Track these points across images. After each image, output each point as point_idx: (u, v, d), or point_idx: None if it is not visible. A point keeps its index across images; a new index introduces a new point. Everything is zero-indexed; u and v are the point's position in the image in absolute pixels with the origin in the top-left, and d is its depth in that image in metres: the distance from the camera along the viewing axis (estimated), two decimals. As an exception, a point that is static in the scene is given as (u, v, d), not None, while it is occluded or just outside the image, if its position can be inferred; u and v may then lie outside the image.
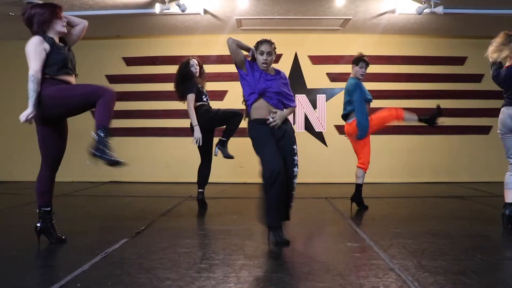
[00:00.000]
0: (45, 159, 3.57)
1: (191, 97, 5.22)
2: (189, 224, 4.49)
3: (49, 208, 3.52)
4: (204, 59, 7.73)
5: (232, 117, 5.26)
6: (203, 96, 5.37)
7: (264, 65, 3.63)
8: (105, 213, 5.13)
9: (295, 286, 2.56)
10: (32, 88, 3.30)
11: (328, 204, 5.68)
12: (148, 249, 3.38)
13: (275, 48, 3.68)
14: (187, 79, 5.32)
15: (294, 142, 3.71)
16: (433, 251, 3.28)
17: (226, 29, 7.64)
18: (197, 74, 5.40)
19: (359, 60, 5.24)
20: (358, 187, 5.17)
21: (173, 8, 6.32)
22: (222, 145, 5.29)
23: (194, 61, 5.42)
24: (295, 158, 3.68)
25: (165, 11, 6.33)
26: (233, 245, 3.48)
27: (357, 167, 5.18)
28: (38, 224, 3.48)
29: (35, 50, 3.38)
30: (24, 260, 3.10)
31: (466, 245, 3.53)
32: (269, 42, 3.65)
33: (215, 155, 5.32)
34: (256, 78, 3.63)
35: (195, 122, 5.17)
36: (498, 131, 4.31)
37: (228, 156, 5.27)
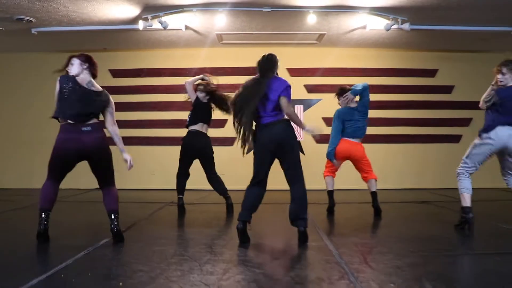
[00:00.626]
0: (53, 173, 3.99)
1: None
2: (166, 227, 4.82)
3: (50, 212, 3.92)
4: (186, 71, 8.18)
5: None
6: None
7: None
8: (91, 217, 5.47)
9: (248, 275, 2.93)
10: None
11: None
12: (126, 248, 3.74)
13: None
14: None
15: None
16: (380, 249, 3.66)
17: (207, 43, 8.05)
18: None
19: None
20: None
21: (156, 25, 6.70)
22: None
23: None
24: None
25: (148, 27, 6.71)
26: (203, 244, 3.85)
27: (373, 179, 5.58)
28: (42, 227, 3.84)
29: None
30: (16, 258, 3.43)
31: (413, 244, 3.91)
32: None
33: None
34: None
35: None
36: (487, 139, 4.38)
37: None
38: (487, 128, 4.39)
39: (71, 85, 3.91)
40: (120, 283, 2.76)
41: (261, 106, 3.95)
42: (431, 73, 8.99)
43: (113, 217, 4.00)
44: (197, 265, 3.14)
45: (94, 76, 4.11)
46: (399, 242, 3.95)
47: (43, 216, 3.87)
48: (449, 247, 3.89)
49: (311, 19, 6.62)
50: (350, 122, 5.66)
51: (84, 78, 4.00)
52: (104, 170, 4.08)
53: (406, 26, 6.86)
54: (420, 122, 8.96)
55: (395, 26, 6.87)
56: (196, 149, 5.72)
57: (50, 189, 3.96)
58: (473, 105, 8.94)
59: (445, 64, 8.96)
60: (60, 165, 3.96)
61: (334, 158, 5.64)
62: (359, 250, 3.60)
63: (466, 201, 4.47)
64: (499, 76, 4.43)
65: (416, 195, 7.60)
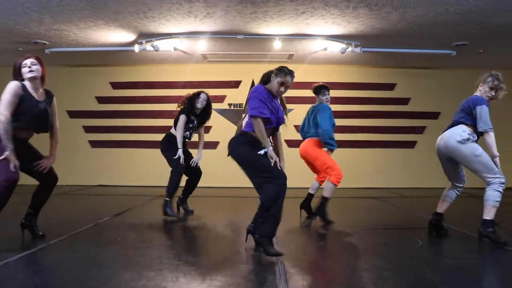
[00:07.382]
0: None
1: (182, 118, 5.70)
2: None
3: None
4: (176, 84, 9.56)
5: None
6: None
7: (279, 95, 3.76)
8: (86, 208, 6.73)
9: (183, 259, 3.49)
10: None
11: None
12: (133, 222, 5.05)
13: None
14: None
15: None
16: (305, 243, 4.47)
17: (193, 60, 9.39)
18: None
19: (322, 88, 5.69)
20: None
21: (149, 47, 8.02)
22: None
23: (204, 96, 5.76)
24: None
25: (142, 50, 8.05)
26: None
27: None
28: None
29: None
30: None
31: (338, 239, 4.55)
32: (293, 76, 3.78)
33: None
34: (277, 107, 3.71)
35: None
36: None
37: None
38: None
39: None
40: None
41: None
42: (390, 86, 10.31)
43: None
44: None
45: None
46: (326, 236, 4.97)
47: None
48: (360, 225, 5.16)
49: (277, 44, 7.97)
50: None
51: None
52: None
53: (358, 49, 8.20)
54: (380, 129, 10.26)
55: (349, 50, 8.20)
56: None
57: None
58: (427, 115, 10.35)
59: (402, 79, 10.29)
60: None
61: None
62: (291, 241, 4.75)
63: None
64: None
65: (371, 192, 8.84)
